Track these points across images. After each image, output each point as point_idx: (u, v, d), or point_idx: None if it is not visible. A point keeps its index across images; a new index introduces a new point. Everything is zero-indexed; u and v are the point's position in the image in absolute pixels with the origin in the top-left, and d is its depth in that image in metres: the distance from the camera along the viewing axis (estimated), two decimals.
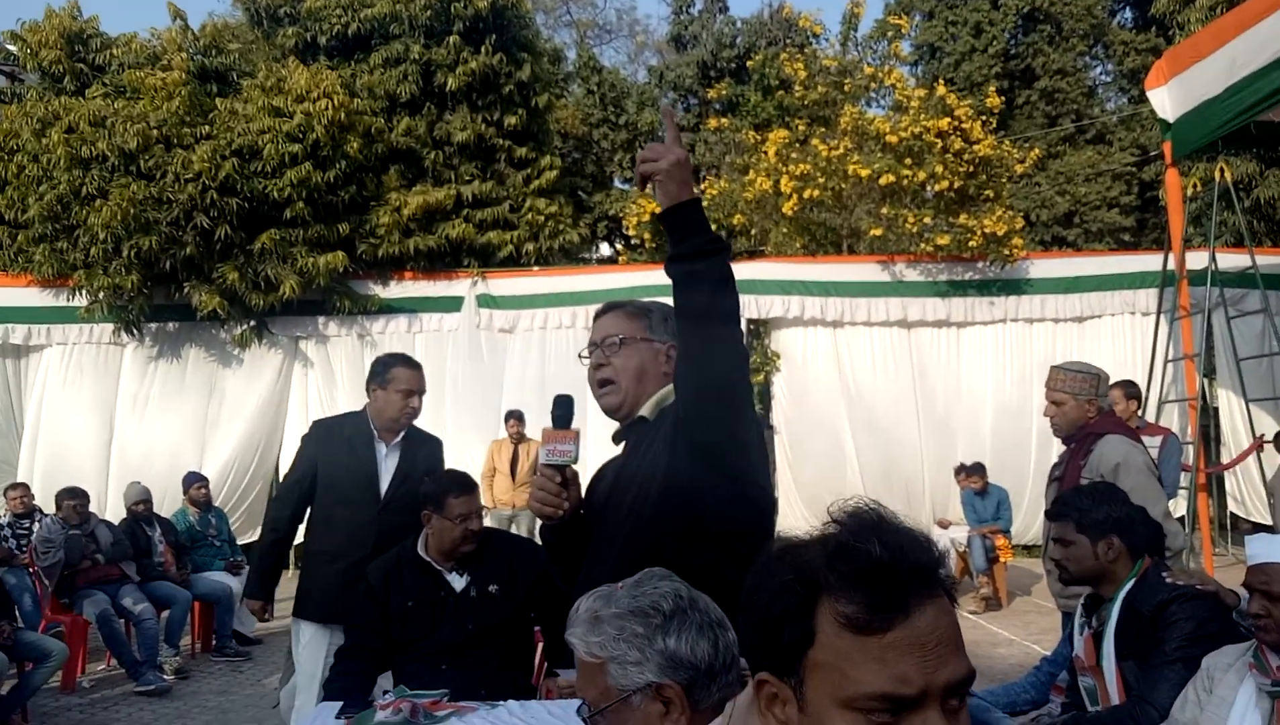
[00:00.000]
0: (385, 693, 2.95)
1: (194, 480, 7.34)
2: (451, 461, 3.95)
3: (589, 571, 1.91)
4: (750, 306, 9.47)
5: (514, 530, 7.56)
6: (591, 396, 2.08)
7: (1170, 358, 8.15)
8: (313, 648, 3.59)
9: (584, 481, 2.08)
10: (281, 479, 3.83)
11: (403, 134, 10.26)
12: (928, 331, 9.63)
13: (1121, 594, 2.48)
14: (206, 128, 9.02)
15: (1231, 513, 9.46)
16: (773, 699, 0.86)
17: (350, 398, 9.43)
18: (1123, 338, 9.43)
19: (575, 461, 1.95)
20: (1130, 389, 5.33)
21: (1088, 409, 3.38)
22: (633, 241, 12.52)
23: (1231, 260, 8.47)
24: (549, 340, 9.57)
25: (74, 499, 6.17)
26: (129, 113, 8.71)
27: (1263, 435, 8.10)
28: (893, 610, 0.78)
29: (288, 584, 4.06)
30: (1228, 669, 2.07)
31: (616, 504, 1.98)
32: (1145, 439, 5.01)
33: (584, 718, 1.42)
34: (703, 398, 1.76)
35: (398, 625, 3.07)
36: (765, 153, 10.01)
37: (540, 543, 2.17)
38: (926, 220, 9.38)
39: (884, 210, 9.64)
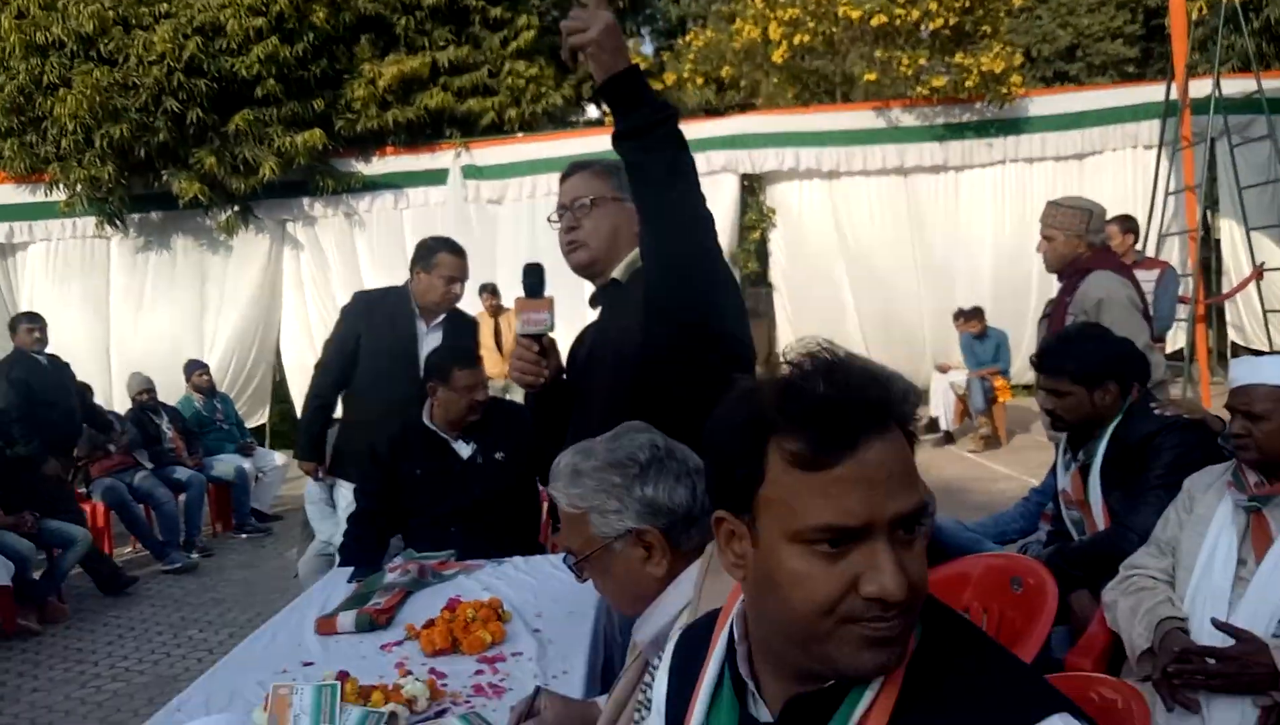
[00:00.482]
0: (395, 556, 3.07)
1: (195, 368, 7.42)
2: None
3: (575, 435, 1.92)
4: (743, 161, 9.26)
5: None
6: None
7: (1171, 190, 8.01)
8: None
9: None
10: (322, 349, 3.95)
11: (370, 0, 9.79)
12: (925, 177, 9.43)
13: (1110, 429, 2.50)
14: (165, 5, 8.63)
15: (1232, 342, 9.52)
16: (730, 536, 0.88)
17: (343, 278, 9.40)
18: (1125, 172, 9.22)
19: (551, 329, 1.93)
20: (1127, 224, 5.24)
21: (1077, 245, 3.33)
22: None
23: (1239, 85, 8.17)
24: (539, 209, 9.39)
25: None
26: None
27: (1263, 263, 8.05)
28: (839, 447, 0.78)
29: (292, 472, 4.16)
30: (1207, 488, 2.11)
31: (597, 367, 1.98)
32: (1142, 273, 5.01)
33: (569, 566, 1.47)
34: (674, 272, 1.72)
35: (406, 492, 3.15)
36: None
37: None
38: (922, 61, 9.03)
39: (877, 53, 9.26)
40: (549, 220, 2.09)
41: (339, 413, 4.02)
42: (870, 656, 0.81)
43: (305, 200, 9.51)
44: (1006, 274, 9.22)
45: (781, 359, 0.86)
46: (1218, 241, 9.44)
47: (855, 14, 8.91)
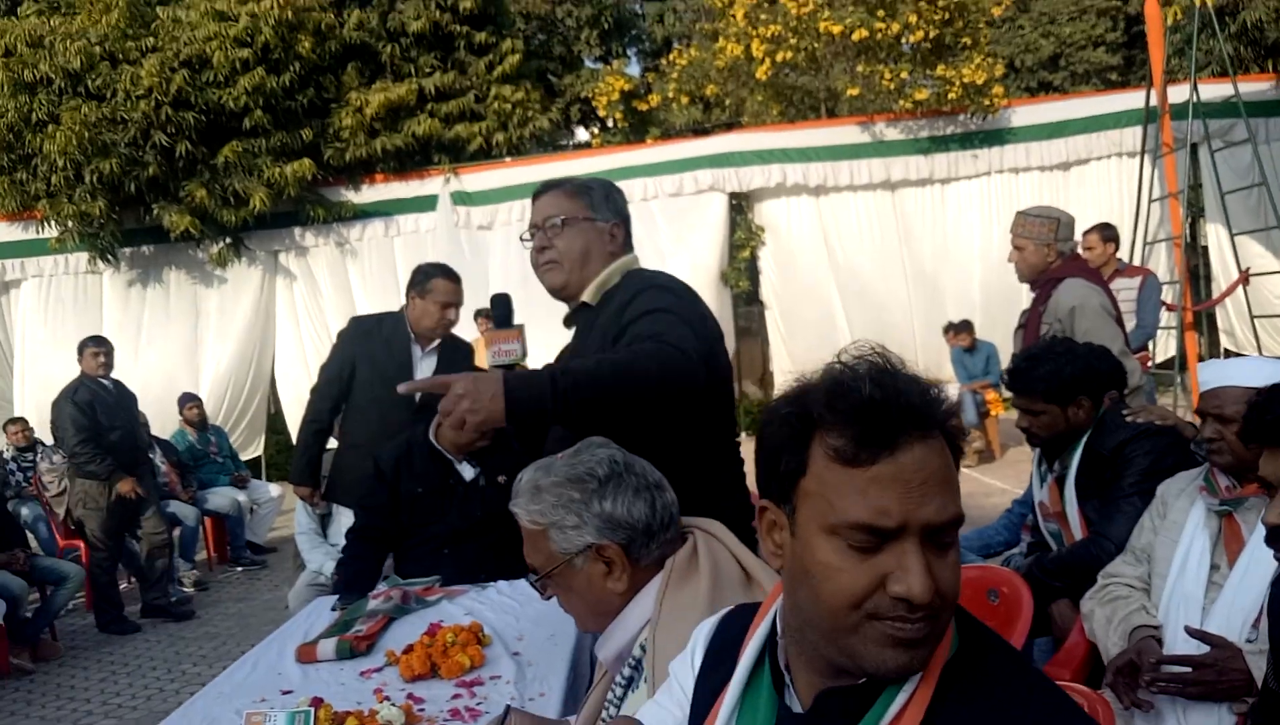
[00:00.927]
0: (382, 580, 3.06)
1: (186, 401, 7.41)
2: None
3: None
4: (730, 180, 9.33)
5: None
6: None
7: (1154, 197, 8.04)
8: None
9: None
10: (318, 373, 3.99)
11: (355, 28, 9.89)
12: (911, 191, 9.49)
13: (1082, 440, 2.49)
14: (151, 40, 8.73)
15: (1225, 348, 9.53)
16: (771, 525, 0.92)
17: (337, 307, 9.43)
18: (1111, 180, 9.29)
19: (523, 358, 1.94)
20: (1107, 232, 5.25)
21: (1047, 253, 3.35)
22: (606, 123, 12.20)
23: (1217, 90, 8.24)
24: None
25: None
26: (67, 30, 8.41)
27: (1249, 268, 8.07)
28: (879, 446, 0.82)
29: (288, 504, 4.15)
30: (1179, 494, 2.11)
31: None
32: (1124, 281, 5.04)
33: (532, 583, 1.47)
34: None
35: (406, 511, 3.14)
36: (734, 16, 9.63)
37: None
38: (904, 74, 9.10)
39: (860, 68, 9.34)
40: (521, 239, 2.11)
41: (334, 439, 4.03)
42: (893, 655, 0.82)
43: (296, 230, 9.56)
44: (995, 285, 9.24)
45: (836, 358, 0.90)
46: (1205, 247, 9.47)
47: (836, 29, 9.00)
